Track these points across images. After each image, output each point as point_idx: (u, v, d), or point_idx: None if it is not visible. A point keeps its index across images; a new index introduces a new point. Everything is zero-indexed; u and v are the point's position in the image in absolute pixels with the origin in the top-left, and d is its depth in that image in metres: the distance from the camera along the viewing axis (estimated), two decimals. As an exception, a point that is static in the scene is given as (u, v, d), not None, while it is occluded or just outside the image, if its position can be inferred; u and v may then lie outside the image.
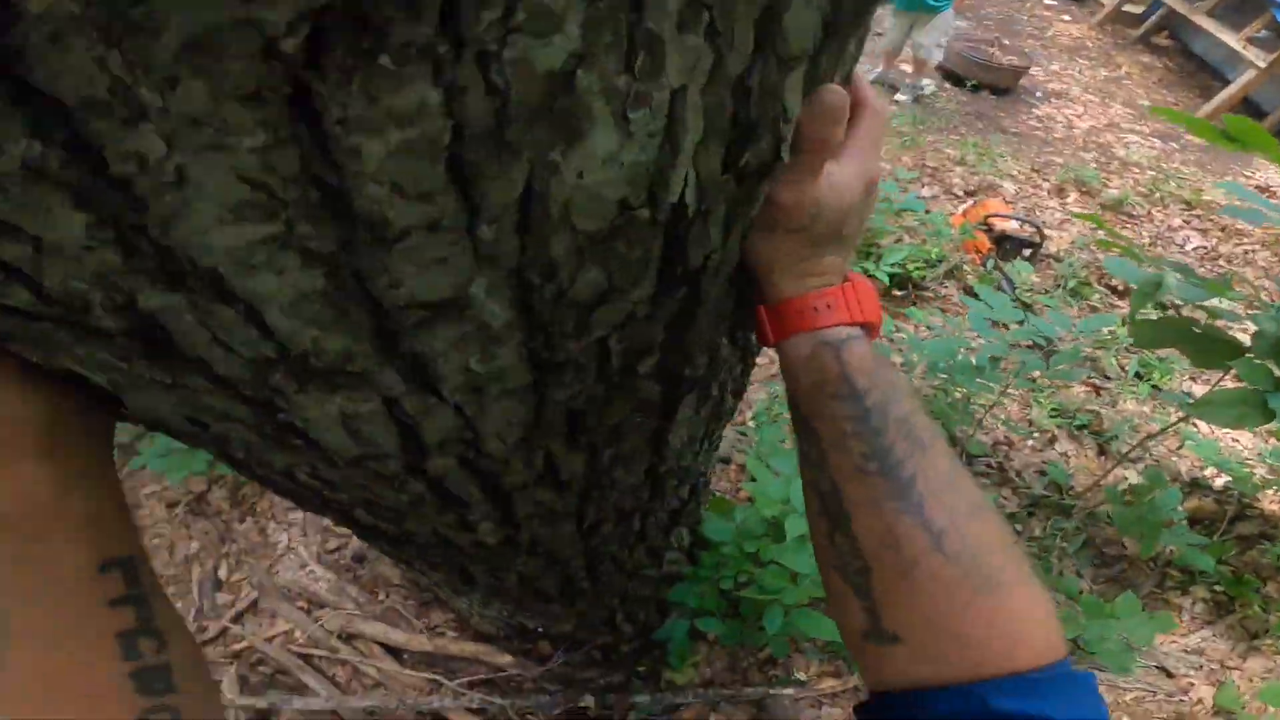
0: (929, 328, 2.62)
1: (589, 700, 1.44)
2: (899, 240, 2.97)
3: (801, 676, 1.52)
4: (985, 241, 3.17)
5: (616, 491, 0.75)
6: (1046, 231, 3.52)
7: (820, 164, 0.41)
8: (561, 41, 0.23)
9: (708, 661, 1.56)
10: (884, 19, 4.89)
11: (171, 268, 0.28)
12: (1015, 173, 4.14)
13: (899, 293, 2.76)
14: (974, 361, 1.90)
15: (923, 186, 3.78)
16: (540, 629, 1.54)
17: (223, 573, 1.66)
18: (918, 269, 2.74)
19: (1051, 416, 2.24)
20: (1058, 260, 3.22)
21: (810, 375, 0.47)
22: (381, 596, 1.59)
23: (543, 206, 0.30)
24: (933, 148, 4.21)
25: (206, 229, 0.26)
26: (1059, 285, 3.02)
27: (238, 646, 1.50)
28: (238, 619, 1.55)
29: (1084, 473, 2.04)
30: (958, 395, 2.07)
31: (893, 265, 2.64)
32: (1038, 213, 3.76)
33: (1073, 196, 4.02)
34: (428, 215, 0.28)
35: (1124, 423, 2.18)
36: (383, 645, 1.49)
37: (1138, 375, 2.43)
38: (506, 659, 1.47)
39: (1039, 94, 5.42)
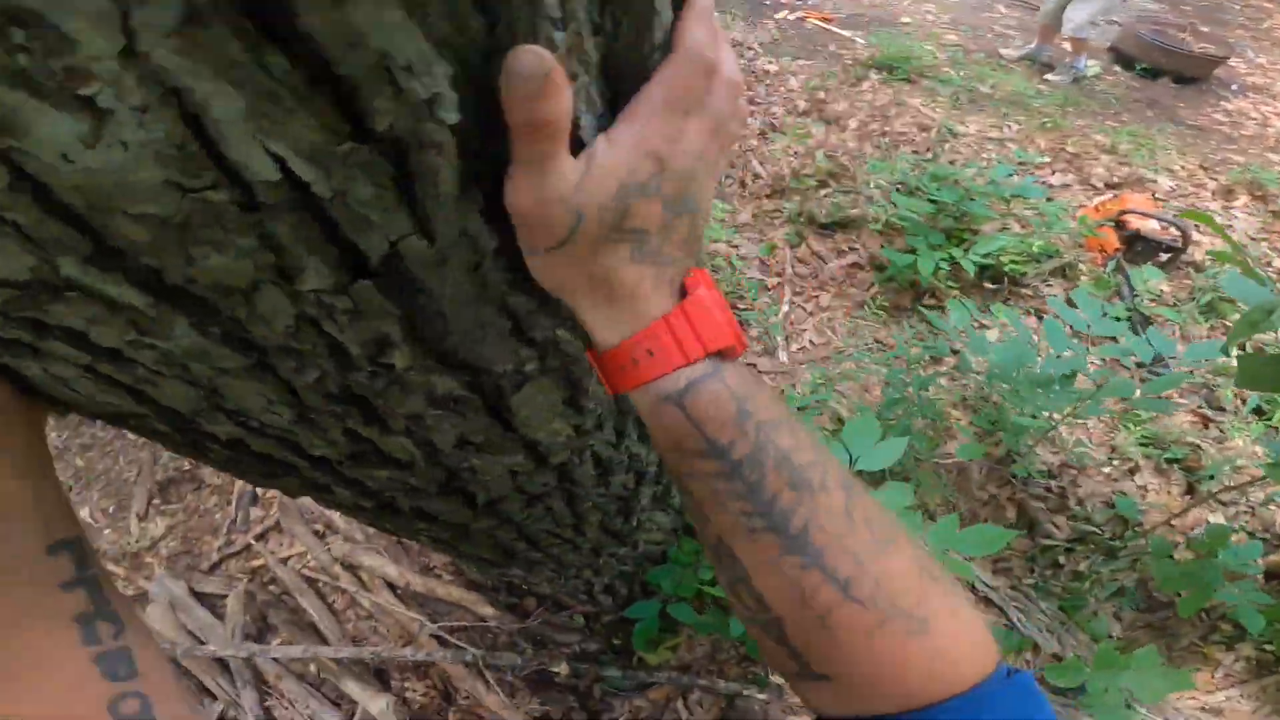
0: (1028, 326, 2.39)
1: (561, 667, 1.44)
2: (1004, 228, 2.70)
3: (779, 680, 1.45)
4: (1113, 240, 2.82)
5: (491, 477, 0.72)
6: (1196, 236, 3.09)
7: (546, 153, 0.32)
8: None
9: (689, 647, 1.52)
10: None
11: None
12: (1177, 168, 3.63)
13: (991, 286, 2.52)
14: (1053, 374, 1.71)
15: (1053, 173, 3.40)
16: (526, 586, 1.56)
17: (260, 488, 1.79)
18: (1015, 262, 2.47)
19: (1141, 444, 1.98)
20: (1198, 270, 2.82)
21: (661, 434, 0.40)
22: (389, 532, 1.66)
23: (56, 192, 0.27)
24: (1080, 132, 3.77)
25: None
26: (1193, 299, 2.65)
27: (255, 563, 1.61)
28: (262, 536, 1.67)
29: (1160, 510, 1.80)
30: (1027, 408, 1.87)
31: (984, 256, 2.40)
32: (1191, 213, 3.30)
33: (1241, 200, 3.48)
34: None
35: (1225, 462, 1.89)
36: (381, 578, 1.56)
37: (1257, 411, 2.10)
38: (489, 610, 1.50)
39: (1235, 87, 4.73)
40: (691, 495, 0.40)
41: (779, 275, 2.51)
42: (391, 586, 1.56)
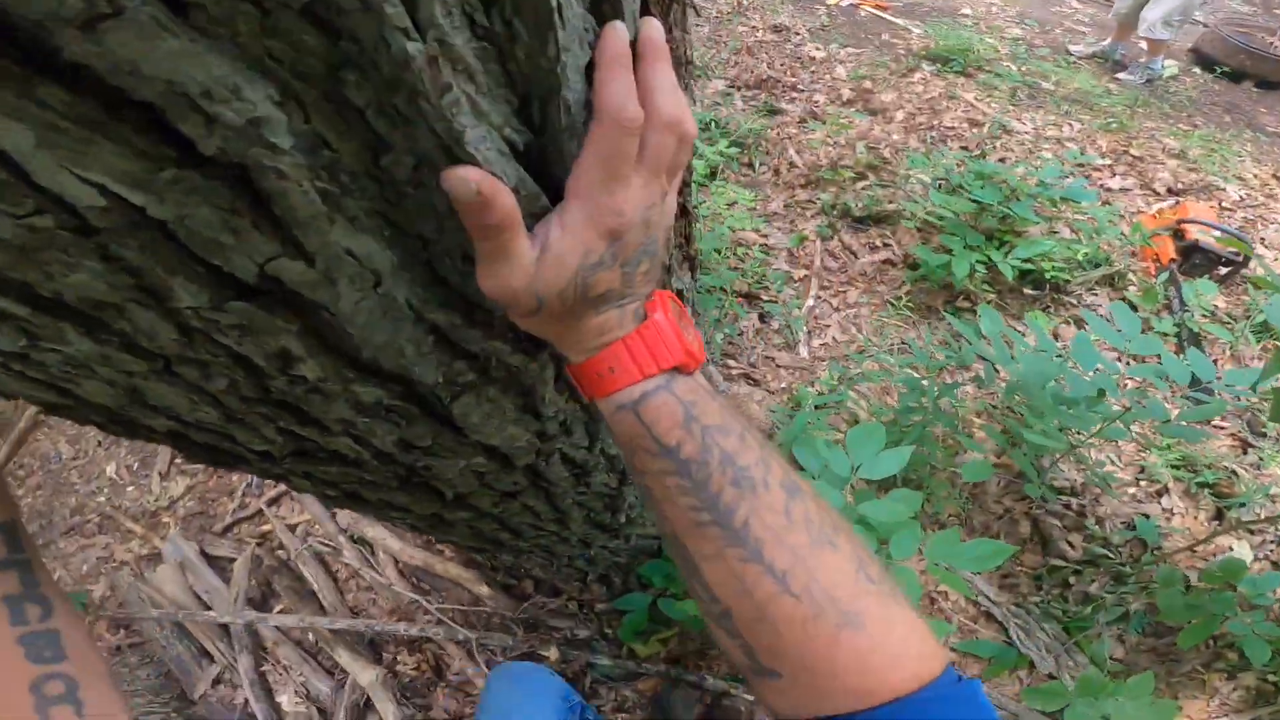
0: (1064, 337, 2.29)
1: (551, 651, 1.45)
2: (1052, 232, 2.58)
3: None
4: (1169, 250, 2.67)
5: (452, 475, 0.71)
6: (1261, 250, 2.90)
7: (497, 247, 0.36)
8: None
9: (680, 642, 1.51)
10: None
11: None
12: (1250, 176, 3.41)
13: (1031, 292, 2.41)
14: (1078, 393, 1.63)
15: (1113, 176, 3.22)
16: (523, 570, 1.57)
17: (279, 454, 1.84)
18: (1058, 269, 2.36)
19: (1172, 467, 1.89)
20: (1259, 286, 2.65)
21: (620, 437, 0.45)
22: (395, 507, 1.68)
23: None
24: (1147, 134, 3.56)
25: None
26: (1248, 316, 2.49)
27: (265, 528, 1.65)
28: (275, 501, 1.70)
29: (1183, 535, 1.71)
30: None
31: (1025, 260, 2.29)
32: (1259, 226, 3.10)
33: (1315, 214, 3.27)
34: None
35: (1259, 490, 1.78)
36: (383, 551, 1.59)
37: (1304, 440, 1.97)
38: (485, 590, 1.51)
39: (1324, 94, 4.42)
40: (649, 492, 0.44)
41: (807, 268, 2.44)
42: (393, 560, 1.58)
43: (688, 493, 0.41)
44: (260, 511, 1.68)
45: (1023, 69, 4.00)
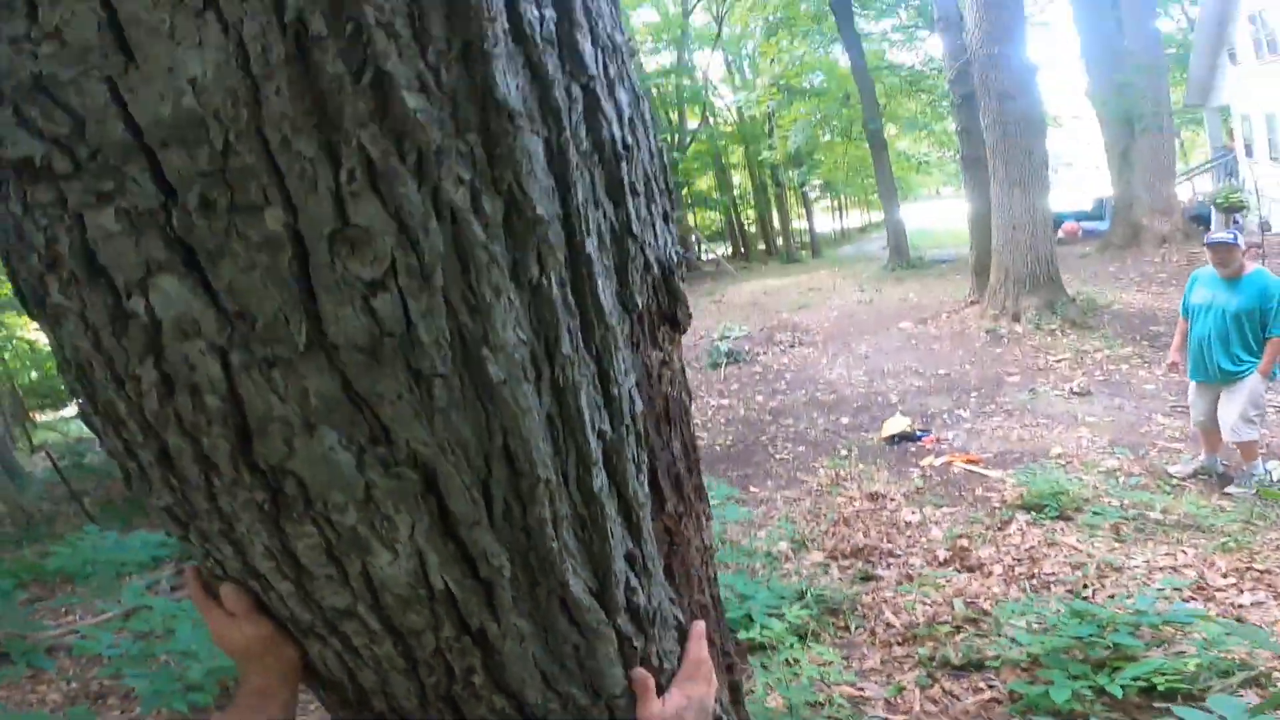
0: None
1: None
2: (1179, 652, 2.72)
3: None
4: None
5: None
6: None
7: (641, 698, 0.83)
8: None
9: None
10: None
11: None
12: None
13: (1160, 705, 2.47)
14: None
15: (1241, 593, 3.33)
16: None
17: None
18: (1173, 682, 2.48)
19: None
20: None
21: None
22: None
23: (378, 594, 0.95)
24: (1271, 546, 3.69)
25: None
26: None
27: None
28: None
29: None
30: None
31: (1134, 679, 2.46)
32: None
33: None
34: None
35: None
36: None
37: None
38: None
39: None
40: None
41: (905, 713, 2.65)
42: None
43: None
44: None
45: (1125, 502, 4.24)
